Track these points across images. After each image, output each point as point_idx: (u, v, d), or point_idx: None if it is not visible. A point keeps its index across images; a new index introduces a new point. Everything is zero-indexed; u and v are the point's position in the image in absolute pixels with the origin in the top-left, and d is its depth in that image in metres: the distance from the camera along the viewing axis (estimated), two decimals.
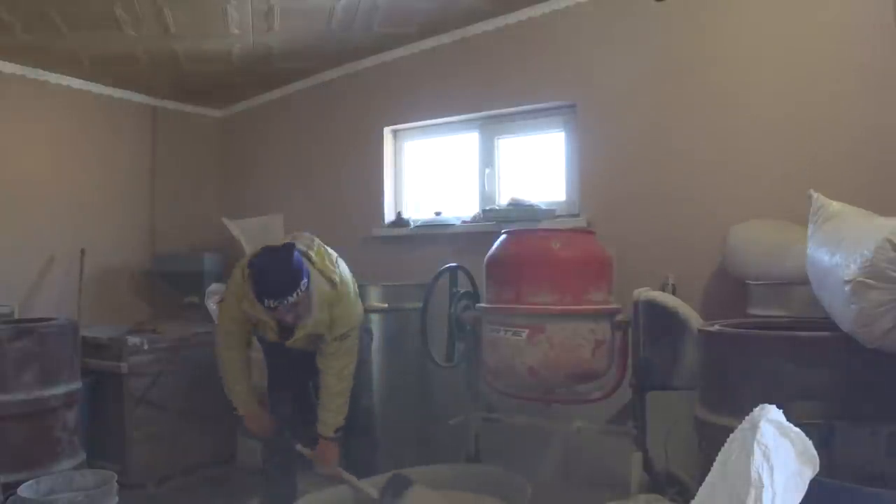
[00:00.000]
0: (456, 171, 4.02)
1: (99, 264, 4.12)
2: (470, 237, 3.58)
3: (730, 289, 2.82)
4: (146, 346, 3.45)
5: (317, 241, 2.80)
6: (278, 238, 4.20)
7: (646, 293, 2.60)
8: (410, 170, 4.16)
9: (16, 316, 3.62)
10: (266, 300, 2.47)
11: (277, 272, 2.48)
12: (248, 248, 4.07)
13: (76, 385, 3.13)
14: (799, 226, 2.43)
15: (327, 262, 2.71)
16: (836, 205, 2.17)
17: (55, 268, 3.95)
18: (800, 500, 1.32)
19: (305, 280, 2.51)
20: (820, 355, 2.00)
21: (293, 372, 2.89)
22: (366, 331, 3.01)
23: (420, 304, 3.00)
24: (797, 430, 1.36)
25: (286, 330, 2.68)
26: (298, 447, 2.78)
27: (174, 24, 3.35)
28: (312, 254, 2.68)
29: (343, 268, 2.81)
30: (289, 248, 2.54)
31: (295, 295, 2.47)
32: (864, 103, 2.72)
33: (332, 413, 2.71)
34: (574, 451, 2.94)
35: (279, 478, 2.89)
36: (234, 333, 2.78)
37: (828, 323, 2.03)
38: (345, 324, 2.70)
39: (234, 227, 4.16)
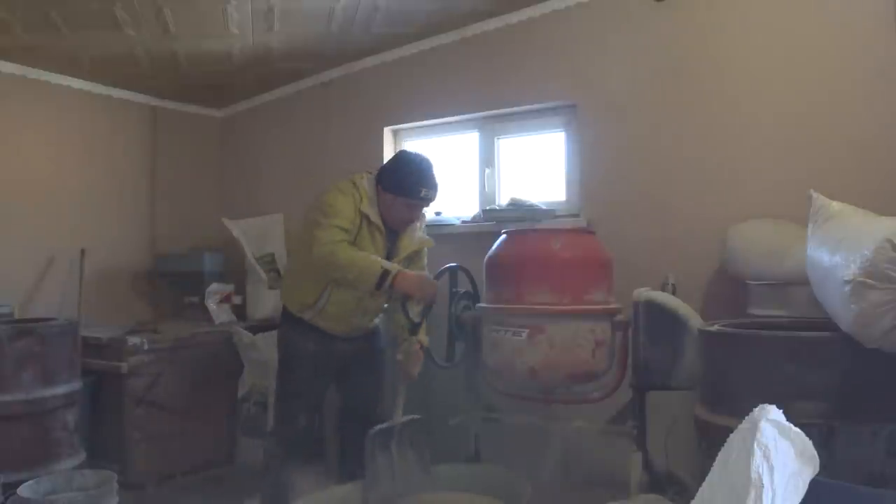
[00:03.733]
0: (456, 171, 4.02)
1: (99, 264, 4.12)
2: (470, 237, 3.57)
3: (730, 289, 2.82)
4: (146, 346, 3.45)
5: None
6: (279, 238, 4.23)
7: (646, 293, 2.60)
8: None
9: (16, 316, 3.62)
10: (424, 190, 2.69)
11: (432, 166, 2.77)
12: (248, 249, 4.09)
13: (76, 385, 3.13)
14: (799, 226, 2.43)
15: None
16: (836, 205, 2.17)
17: (55, 268, 3.95)
18: (800, 500, 1.32)
19: None
20: (820, 355, 1.99)
21: (317, 381, 2.86)
22: None
23: None
24: (797, 430, 1.36)
25: (390, 245, 2.79)
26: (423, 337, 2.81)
27: (174, 24, 3.35)
28: None
29: None
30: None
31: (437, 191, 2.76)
32: (864, 103, 2.72)
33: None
34: (574, 451, 2.93)
35: (279, 471, 2.81)
36: (343, 237, 2.63)
37: (828, 323, 2.03)
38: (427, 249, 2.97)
39: (234, 228, 4.16)
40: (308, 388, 2.84)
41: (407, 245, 2.80)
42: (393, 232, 2.80)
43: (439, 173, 2.78)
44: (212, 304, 4.03)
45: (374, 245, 2.71)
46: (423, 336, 2.82)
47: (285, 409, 2.85)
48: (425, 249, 2.96)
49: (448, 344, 3.04)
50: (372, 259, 2.61)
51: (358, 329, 2.88)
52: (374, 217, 2.70)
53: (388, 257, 2.74)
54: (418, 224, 2.90)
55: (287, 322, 2.88)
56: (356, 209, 2.66)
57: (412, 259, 2.89)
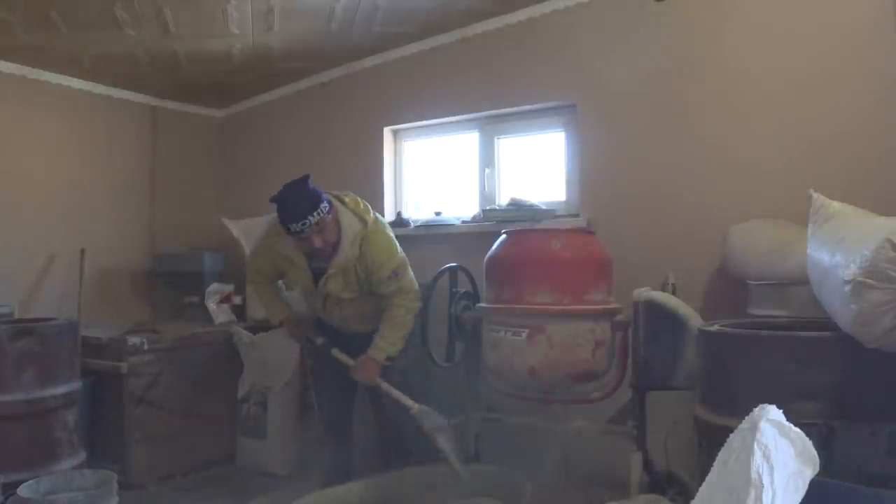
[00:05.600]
0: (456, 171, 4.02)
1: (99, 264, 4.12)
2: (470, 237, 3.58)
3: (730, 289, 2.82)
4: (146, 346, 3.45)
5: (359, 198, 2.90)
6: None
7: (646, 293, 2.60)
8: (410, 170, 4.16)
9: (16, 316, 3.61)
10: (291, 225, 2.60)
11: (295, 196, 2.62)
12: (249, 249, 4.08)
13: (76, 385, 3.13)
14: (799, 226, 2.43)
15: (361, 207, 2.83)
16: (836, 205, 2.17)
17: (55, 268, 3.95)
18: (800, 500, 1.32)
19: (326, 204, 2.64)
20: (820, 355, 2.00)
21: (339, 373, 2.94)
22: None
23: (420, 304, 3.00)
24: (797, 430, 1.36)
25: (319, 273, 2.78)
26: (334, 352, 2.85)
27: (174, 24, 3.35)
28: (346, 199, 2.82)
29: (383, 220, 2.94)
30: (304, 177, 2.69)
31: (315, 215, 2.59)
32: (864, 103, 2.72)
33: (388, 342, 2.78)
34: (574, 451, 2.94)
35: (335, 447, 3.07)
36: (259, 279, 3.08)
37: (828, 323, 2.04)
38: (387, 259, 2.77)
39: (234, 228, 4.16)
40: (332, 376, 3.04)
41: (336, 264, 2.73)
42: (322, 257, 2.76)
43: (306, 199, 2.60)
44: (212, 304, 4.02)
45: (300, 277, 2.87)
46: (374, 351, 2.79)
47: (317, 390, 3.20)
48: (388, 273, 2.76)
49: (448, 344, 3.04)
50: (270, 308, 3.12)
51: (344, 326, 2.99)
52: (292, 254, 2.80)
53: (317, 279, 2.81)
54: (343, 244, 2.72)
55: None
56: (271, 257, 2.92)
57: (375, 285, 2.79)
